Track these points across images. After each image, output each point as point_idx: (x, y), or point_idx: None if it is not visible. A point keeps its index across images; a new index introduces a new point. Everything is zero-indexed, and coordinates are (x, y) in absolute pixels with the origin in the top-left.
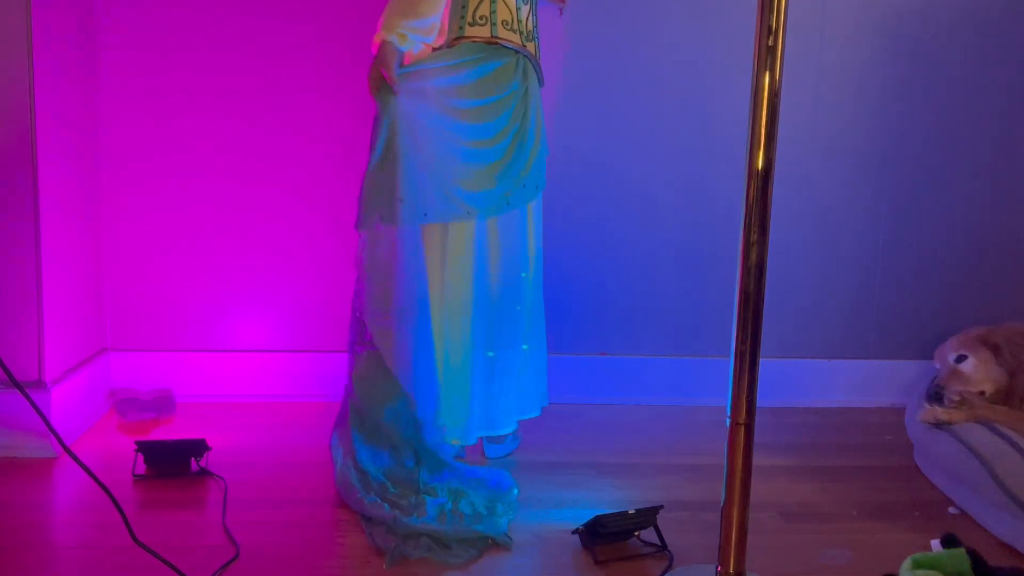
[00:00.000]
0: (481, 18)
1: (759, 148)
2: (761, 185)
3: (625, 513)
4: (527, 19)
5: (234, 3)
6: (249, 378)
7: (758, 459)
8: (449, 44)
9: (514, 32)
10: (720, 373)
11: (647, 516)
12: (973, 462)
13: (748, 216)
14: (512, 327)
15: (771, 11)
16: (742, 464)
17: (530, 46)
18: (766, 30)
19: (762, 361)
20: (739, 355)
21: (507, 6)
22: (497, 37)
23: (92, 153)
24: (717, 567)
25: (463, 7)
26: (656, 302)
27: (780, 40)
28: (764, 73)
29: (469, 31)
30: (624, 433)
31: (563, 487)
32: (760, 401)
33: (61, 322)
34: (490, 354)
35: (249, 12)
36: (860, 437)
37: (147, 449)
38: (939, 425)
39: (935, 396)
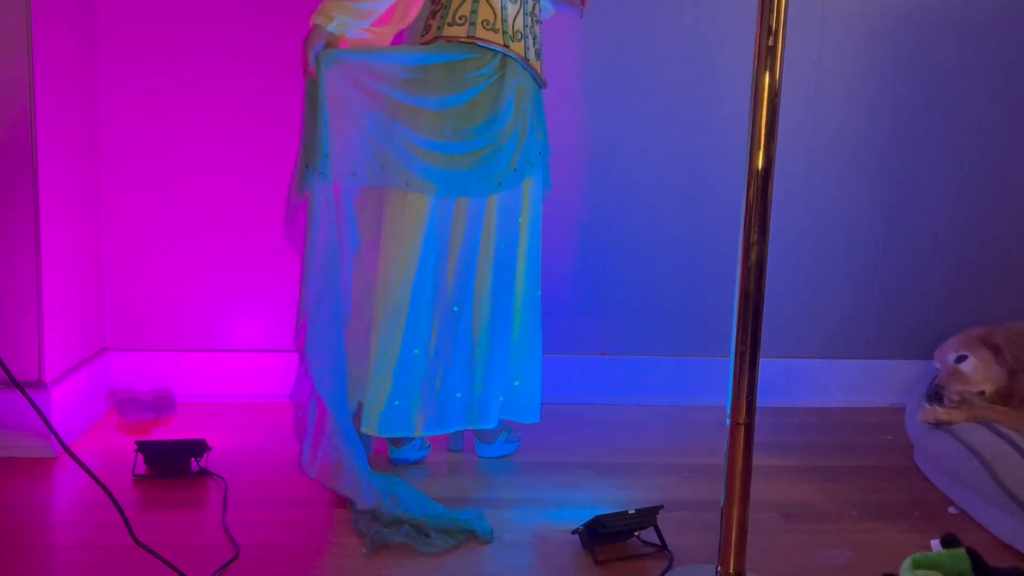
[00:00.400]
0: (460, 18)
1: (759, 148)
2: (761, 185)
3: (625, 513)
4: (515, 19)
5: (234, 3)
6: (249, 378)
7: (758, 459)
8: (426, 42)
9: (495, 32)
10: (720, 373)
11: (647, 516)
12: (973, 462)
13: (748, 216)
14: (447, 328)
15: (771, 11)
16: (742, 464)
17: (515, 46)
18: (766, 30)
19: (762, 361)
20: (739, 355)
21: (490, 6)
22: (474, 36)
23: (92, 153)
24: (717, 567)
25: (445, 7)
26: (656, 302)
27: (780, 40)
28: (764, 73)
29: (447, 31)
30: (624, 433)
31: (563, 487)
32: (760, 401)
33: (61, 322)
34: (416, 351)
35: (250, 12)
36: (860, 437)
37: (147, 449)
38: (939, 425)
39: (935, 396)
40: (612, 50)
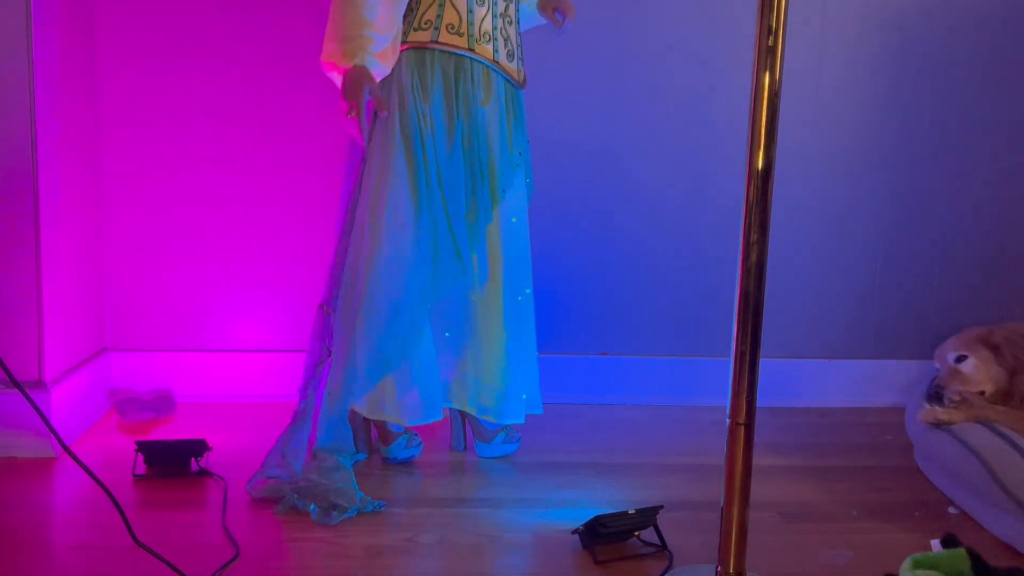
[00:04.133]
0: (426, 23)
1: (759, 148)
2: (761, 185)
3: (625, 513)
4: (482, 21)
5: (235, 4)
6: (249, 378)
7: (758, 459)
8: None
9: (460, 35)
10: (720, 373)
11: (647, 516)
12: (973, 462)
13: (748, 216)
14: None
15: (771, 11)
16: (742, 464)
17: (481, 49)
18: (766, 30)
19: (762, 361)
20: (739, 355)
21: (455, 9)
22: (437, 41)
23: (92, 153)
24: (717, 567)
25: (413, 11)
26: (656, 302)
27: (780, 40)
28: (764, 73)
29: (412, 36)
30: (624, 433)
31: (563, 487)
32: (760, 401)
33: (61, 322)
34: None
35: (250, 13)
36: (860, 437)
37: (147, 449)
38: (939, 425)
39: (935, 396)
40: (612, 49)
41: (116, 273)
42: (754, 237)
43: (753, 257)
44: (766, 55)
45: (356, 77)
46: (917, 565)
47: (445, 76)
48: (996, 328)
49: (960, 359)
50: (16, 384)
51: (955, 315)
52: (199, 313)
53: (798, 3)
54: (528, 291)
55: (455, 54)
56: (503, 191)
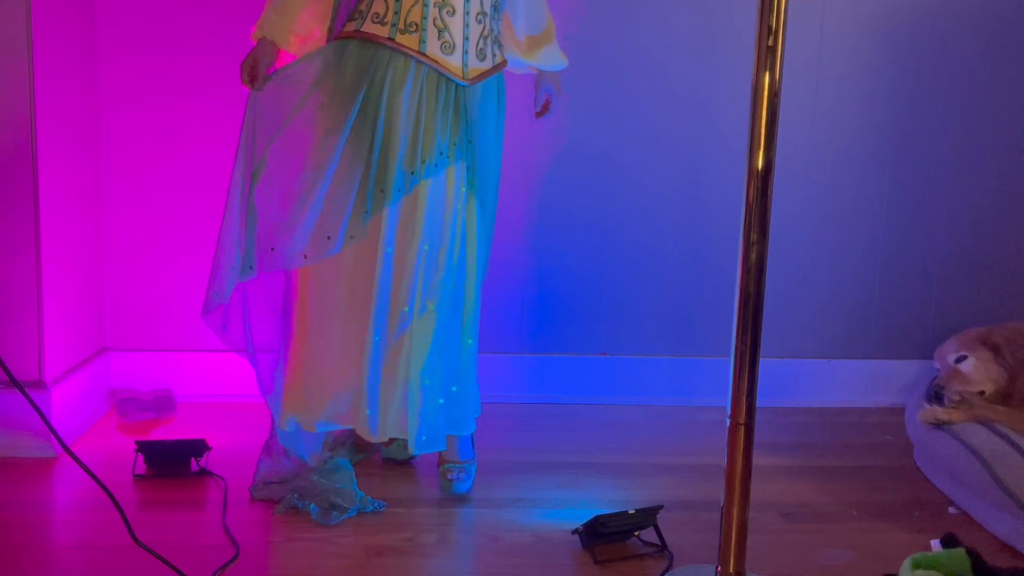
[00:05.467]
0: (358, 13)
1: (759, 148)
2: (761, 185)
3: (625, 513)
4: (410, 10)
5: (237, 3)
6: (249, 378)
7: (758, 459)
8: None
9: (383, 25)
10: (720, 373)
11: (647, 516)
12: (973, 462)
13: (748, 216)
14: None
15: (771, 11)
16: (742, 464)
17: (406, 39)
18: (766, 30)
19: (762, 361)
20: (739, 355)
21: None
22: (359, 31)
23: (92, 153)
24: (717, 567)
25: (356, 6)
26: (656, 302)
27: (780, 40)
28: (764, 73)
29: (347, 26)
30: (624, 433)
31: (563, 487)
32: (760, 401)
33: (61, 322)
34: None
35: (252, 12)
36: (860, 437)
37: (147, 449)
38: (939, 425)
39: (935, 396)
40: (611, 49)
41: (116, 273)
42: (754, 237)
43: (753, 257)
44: (766, 55)
45: (255, 50)
46: (917, 565)
47: (358, 67)
48: (996, 328)
49: (960, 359)
50: (16, 384)
51: (955, 315)
52: (199, 313)
53: (798, 3)
54: (406, 309)
55: (373, 44)
56: (398, 191)
